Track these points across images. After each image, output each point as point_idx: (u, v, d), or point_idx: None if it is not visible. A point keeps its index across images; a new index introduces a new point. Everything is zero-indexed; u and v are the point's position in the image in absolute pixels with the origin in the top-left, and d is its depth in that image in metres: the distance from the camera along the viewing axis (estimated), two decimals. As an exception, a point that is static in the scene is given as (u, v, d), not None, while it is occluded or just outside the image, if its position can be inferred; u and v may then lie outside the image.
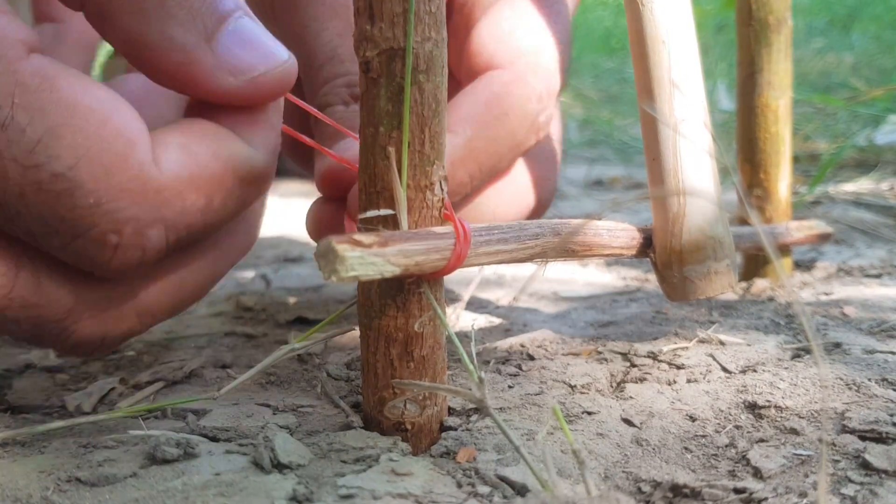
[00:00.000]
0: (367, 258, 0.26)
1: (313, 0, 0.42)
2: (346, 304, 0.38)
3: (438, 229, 0.29)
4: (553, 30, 0.43)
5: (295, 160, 0.49)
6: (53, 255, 0.29)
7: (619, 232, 0.40)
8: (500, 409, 0.35)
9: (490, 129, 0.39)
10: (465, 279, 0.65)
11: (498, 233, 0.32)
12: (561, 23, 0.43)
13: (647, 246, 0.41)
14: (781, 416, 0.35)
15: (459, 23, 0.44)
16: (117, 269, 0.30)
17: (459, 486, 0.29)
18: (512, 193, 0.44)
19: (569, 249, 0.35)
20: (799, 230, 0.55)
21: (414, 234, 0.28)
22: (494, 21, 0.42)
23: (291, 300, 0.60)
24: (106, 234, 0.28)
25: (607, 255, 0.39)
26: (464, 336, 0.47)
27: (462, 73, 0.43)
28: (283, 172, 1.16)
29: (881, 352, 0.41)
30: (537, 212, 0.46)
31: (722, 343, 0.44)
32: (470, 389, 0.29)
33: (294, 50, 0.41)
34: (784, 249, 0.56)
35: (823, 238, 0.57)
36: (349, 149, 0.37)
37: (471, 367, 0.29)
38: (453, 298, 0.58)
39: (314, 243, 0.82)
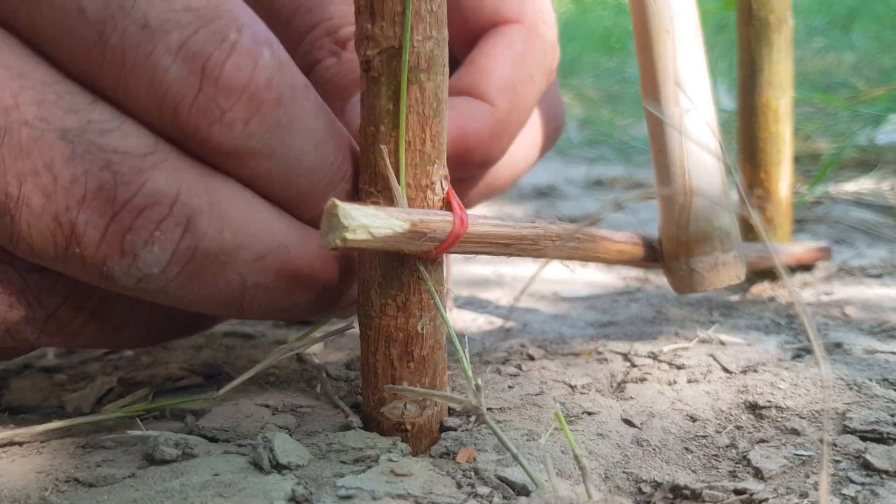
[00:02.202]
0: (369, 212, 0.26)
1: None
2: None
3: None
4: None
5: None
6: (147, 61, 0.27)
7: (620, 233, 0.39)
8: (500, 409, 0.35)
9: (521, 97, 0.38)
10: (465, 280, 0.65)
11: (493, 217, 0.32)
12: None
13: (650, 249, 0.41)
14: (782, 417, 0.35)
15: None
16: (228, 78, 0.28)
17: (459, 486, 0.28)
18: (525, 136, 0.44)
19: (571, 237, 0.35)
20: (796, 247, 0.56)
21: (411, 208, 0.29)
22: None
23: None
24: (228, 27, 0.27)
25: (613, 256, 0.39)
26: (462, 336, 0.47)
27: (460, 24, 0.40)
28: None
29: (882, 352, 0.41)
30: (549, 142, 0.46)
31: (722, 343, 0.44)
32: (467, 395, 0.29)
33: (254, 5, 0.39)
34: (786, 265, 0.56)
35: (824, 254, 0.57)
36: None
37: (468, 373, 0.28)
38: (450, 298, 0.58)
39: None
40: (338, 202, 0.26)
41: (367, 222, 0.26)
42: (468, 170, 0.38)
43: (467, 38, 0.40)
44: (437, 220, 0.28)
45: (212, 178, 0.29)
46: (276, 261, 0.31)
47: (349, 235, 0.26)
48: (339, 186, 0.32)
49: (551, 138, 0.46)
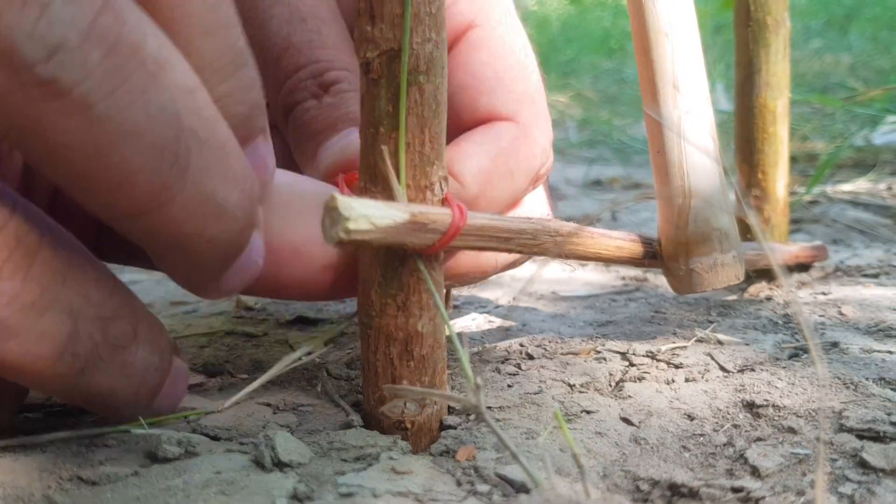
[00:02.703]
0: (368, 203, 0.26)
1: None
2: (349, 315, 0.38)
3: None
4: (530, 61, 0.41)
5: None
6: None
7: (619, 232, 0.40)
8: (500, 408, 0.35)
9: (495, 188, 0.38)
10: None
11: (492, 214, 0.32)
12: (528, 49, 0.42)
13: (649, 249, 0.41)
14: (779, 415, 0.35)
15: None
16: None
17: (459, 484, 0.29)
18: None
19: (570, 233, 0.35)
20: (792, 246, 0.56)
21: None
22: (475, 64, 0.40)
23: (291, 299, 0.60)
24: None
25: (612, 252, 0.39)
26: (461, 335, 0.48)
27: (454, 118, 0.39)
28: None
29: (878, 351, 0.41)
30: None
31: (720, 342, 0.44)
32: (466, 394, 0.29)
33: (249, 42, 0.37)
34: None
35: (820, 252, 0.58)
36: (350, 141, 0.35)
37: (468, 372, 0.29)
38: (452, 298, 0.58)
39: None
40: (337, 195, 0.26)
41: (367, 212, 0.26)
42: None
43: (459, 133, 0.39)
44: (437, 213, 0.29)
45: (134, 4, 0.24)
46: (205, 102, 0.26)
47: (351, 226, 0.26)
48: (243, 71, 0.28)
49: None
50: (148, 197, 0.25)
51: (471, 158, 0.37)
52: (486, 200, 0.37)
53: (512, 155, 0.38)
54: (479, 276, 0.41)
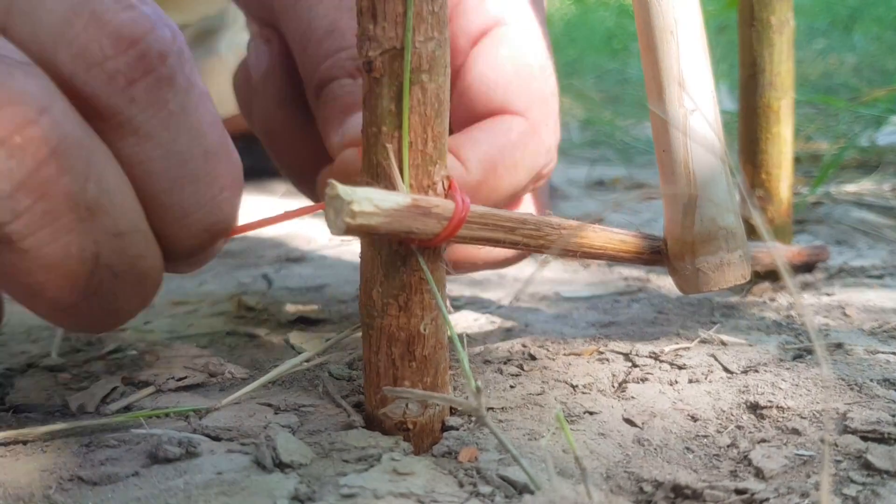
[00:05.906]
0: (368, 189, 0.27)
1: None
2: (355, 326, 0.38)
3: None
4: (549, 65, 0.42)
5: (290, 172, 0.47)
6: None
7: (622, 231, 0.40)
8: (502, 408, 0.35)
9: (498, 178, 0.39)
10: (466, 280, 0.65)
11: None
12: (548, 54, 0.43)
13: (652, 246, 0.41)
14: (783, 417, 0.35)
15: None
16: (118, 26, 0.27)
17: (461, 485, 0.29)
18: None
19: (573, 226, 0.35)
20: (793, 247, 0.56)
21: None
22: (496, 58, 0.41)
23: (293, 300, 0.60)
24: None
25: (615, 246, 0.39)
26: (463, 336, 0.47)
27: (468, 110, 0.41)
28: (277, 173, 1.16)
29: (883, 352, 0.41)
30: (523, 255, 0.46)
31: (723, 343, 0.44)
32: (468, 396, 0.29)
33: (289, 25, 0.39)
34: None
35: (821, 252, 0.57)
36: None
37: (469, 375, 0.29)
38: (453, 298, 0.58)
39: (315, 243, 0.82)
40: (336, 184, 0.26)
41: (370, 195, 0.26)
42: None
43: (471, 121, 0.41)
44: (439, 199, 0.29)
45: (91, 133, 0.27)
46: (133, 245, 0.29)
47: (356, 208, 0.26)
48: (220, 223, 0.31)
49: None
50: (54, 307, 0.29)
51: (479, 145, 0.38)
52: (487, 189, 0.38)
53: (518, 148, 0.39)
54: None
